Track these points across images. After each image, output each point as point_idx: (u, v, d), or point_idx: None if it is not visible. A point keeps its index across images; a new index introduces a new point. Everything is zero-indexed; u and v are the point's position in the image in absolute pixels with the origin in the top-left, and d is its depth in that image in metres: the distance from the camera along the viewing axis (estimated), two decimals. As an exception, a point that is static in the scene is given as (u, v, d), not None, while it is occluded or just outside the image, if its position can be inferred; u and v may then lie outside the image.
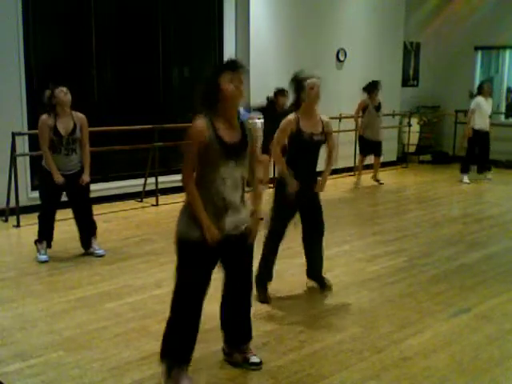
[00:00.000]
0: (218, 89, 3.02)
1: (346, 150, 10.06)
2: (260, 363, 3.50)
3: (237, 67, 3.05)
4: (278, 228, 4.55)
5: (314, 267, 4.80)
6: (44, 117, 5.37)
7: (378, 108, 9.36)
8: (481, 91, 9.79)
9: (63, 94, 5.34)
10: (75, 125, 5.42)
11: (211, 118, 3.05)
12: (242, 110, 6.21)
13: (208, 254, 3.14)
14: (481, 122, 9.76)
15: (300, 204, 4.52)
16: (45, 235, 5.55)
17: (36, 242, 5.55)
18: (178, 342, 3.26)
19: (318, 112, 4.52)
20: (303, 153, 4.49)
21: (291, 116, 4.45)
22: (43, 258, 5.47)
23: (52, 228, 5.61)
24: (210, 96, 3.04)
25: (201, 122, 3.03)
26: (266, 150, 6.41)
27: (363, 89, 9.32)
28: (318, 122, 4.49)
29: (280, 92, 7.34)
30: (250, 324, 3.54)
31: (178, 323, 3.26)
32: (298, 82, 4.48)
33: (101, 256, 5.63)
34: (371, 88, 9.25)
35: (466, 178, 9.92)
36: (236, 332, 3.54)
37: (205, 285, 3.22)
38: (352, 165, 10.32)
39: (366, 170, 9.87)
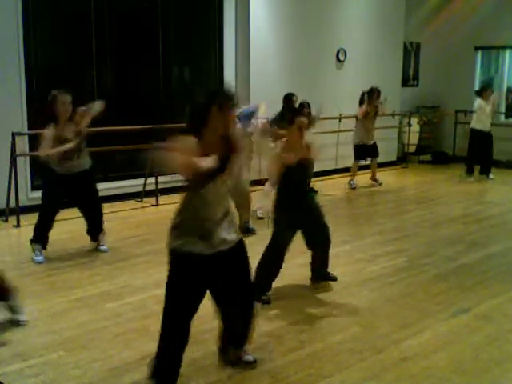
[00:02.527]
0: (208, 116, 2.99)
1: (345, 150, 10.05)
2: (254, 362, 3.52)
3: (231, 100, 3.04)
4: (280, 238, 4.58)
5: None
6: (51, 127, 5.37)
7: (376, 113, 9.37)
8: (482, 94, 9.96)
9: (64, 105, 5.36)
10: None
11: (197, 141, 3.01)
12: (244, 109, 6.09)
13: (200, 270, 3.11)
14: (481, 123, 9.95)
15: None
16: (41, 237, 5.56)
17: (31, 242, 5.56)
18: (164, 364, 3.17)
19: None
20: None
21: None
22: (39, 259, 5.48)
23: (49, 231, 5.61)
24: (197, 121, 3.02)
25: (192, 141, 2.99)
26: None
27: (367, 93, 9.26)
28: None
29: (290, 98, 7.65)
30: (250, 329, 3.49)
31: (165, 343, 3.16)
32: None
33: (104, 252, 5.79)
34: (371, 95, 9.23)
35: (470, 178, 10.02)
36: (236, 335, 3.51)
37: (196, 304, 3.15)
38: (352, 164, 10.29)
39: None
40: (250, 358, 3.53)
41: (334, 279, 4.99)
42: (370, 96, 9.19)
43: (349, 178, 9.55)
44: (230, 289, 3.30)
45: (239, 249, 3.28)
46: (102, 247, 5.86)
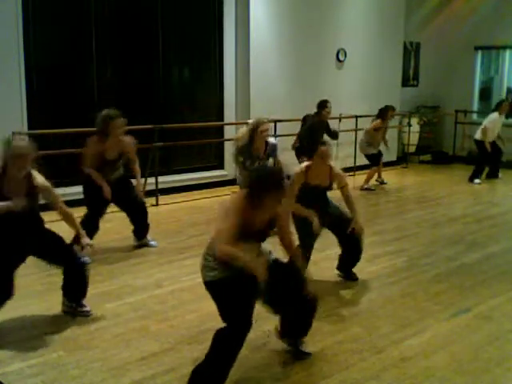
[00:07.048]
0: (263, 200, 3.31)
1: (345, 151, 10.06)
2: (310, 354, 3.66)
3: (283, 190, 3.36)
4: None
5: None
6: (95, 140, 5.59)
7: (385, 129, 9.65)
8: (498, 107, 9.86)
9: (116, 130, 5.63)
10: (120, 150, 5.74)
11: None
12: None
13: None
14: (493, 136, 9.85)
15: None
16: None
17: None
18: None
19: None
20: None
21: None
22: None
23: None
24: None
25: None
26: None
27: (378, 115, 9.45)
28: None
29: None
30: (311, 322, 3.63)
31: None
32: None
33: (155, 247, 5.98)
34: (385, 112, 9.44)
35: (477, 180, 9.88)
36: (295, 328, 3.66)
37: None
38: (352, 165, 10.29)
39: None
40: (307, 349, 3.68)
41: (355, 279, 5.08)
42: (384, 113, 9.36)
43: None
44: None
45: None
46: (151, 242, 6.01)
